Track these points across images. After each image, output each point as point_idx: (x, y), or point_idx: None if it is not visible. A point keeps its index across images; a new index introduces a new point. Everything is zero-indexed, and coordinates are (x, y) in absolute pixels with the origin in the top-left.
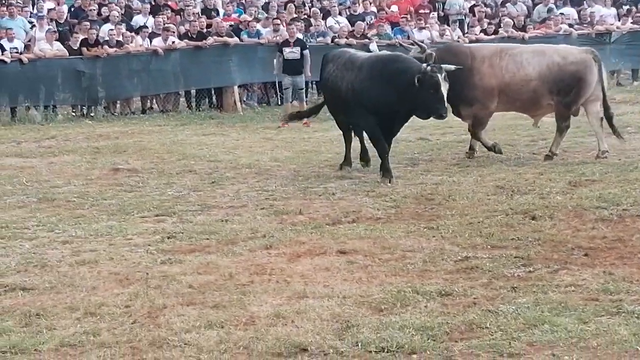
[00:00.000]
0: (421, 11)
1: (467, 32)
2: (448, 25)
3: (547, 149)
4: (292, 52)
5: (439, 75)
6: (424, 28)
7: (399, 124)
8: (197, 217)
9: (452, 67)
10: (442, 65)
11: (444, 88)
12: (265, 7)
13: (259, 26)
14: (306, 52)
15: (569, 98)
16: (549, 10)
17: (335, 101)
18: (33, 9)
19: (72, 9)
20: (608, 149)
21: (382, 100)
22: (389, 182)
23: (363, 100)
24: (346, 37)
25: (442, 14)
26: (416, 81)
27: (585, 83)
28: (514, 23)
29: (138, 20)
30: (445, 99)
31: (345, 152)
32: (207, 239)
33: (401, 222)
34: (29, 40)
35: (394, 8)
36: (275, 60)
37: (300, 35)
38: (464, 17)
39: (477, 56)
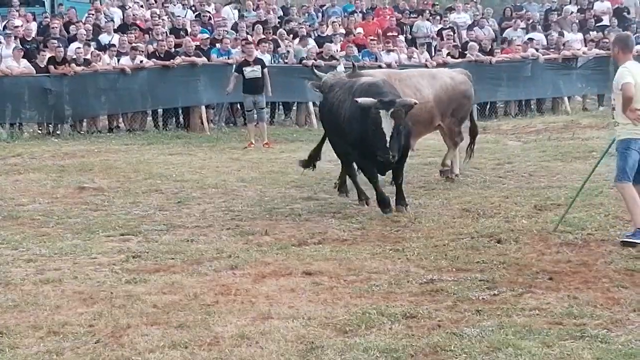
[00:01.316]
0: (389, 34)
1: (434, 56)
2: (416, 48)
3: (460, 171)
4: (253, 71)
5: (382, 111)
6: (392, 50)
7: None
8: (162, 236)
9: (412, 100)
10: (398, 100)
11: (387, 126)
12: (234, 28)
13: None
14: (266, 70)
15: (460, 115)
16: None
17: (337, 130)
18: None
19: (40, 27)
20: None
21: (356, 130)
22: (386, 212)
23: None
24: (314, 59)
25: (409, 37)
26: (360, 114)
27: (471, 100)
28: (480, 47)
29: (106, 38)
30: (388, 137)
31: (355, 187)
32: (173, 258)
33: (367, 243)
34: None
35: (360, 30)
36: (231, 79)
37: (268, 56)
38: (431, 41)
39: None
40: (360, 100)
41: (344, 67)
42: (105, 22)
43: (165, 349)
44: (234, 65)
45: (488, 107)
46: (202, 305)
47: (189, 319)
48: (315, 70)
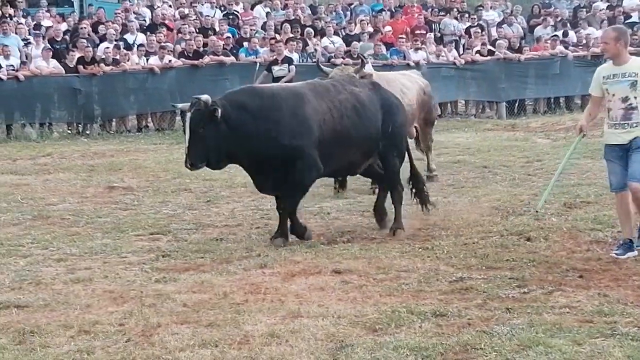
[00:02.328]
0: (417, 32)
1: (462, 53)
2: (444, 46)
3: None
4: (281, 70)
5: (186, 115)
6: (419, 49)
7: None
8: (192, 235)
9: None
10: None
11: (187, 130)
12: (263, 27)
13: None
14: (292, 67)
15: (431, 117)
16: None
17: None
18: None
19: (69, 27)
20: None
21: None
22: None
23: None
24: (342, 57)
25: (438, 34)
26: None
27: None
28: (509, 44)
29: (135, 38)
30: (187, 144)
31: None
32: (202, 257)
33: (396, 242)
34: (26, 58)
35: (388, 28)
36: (258, 76)
37: (295, 55)
38: (458, 39)
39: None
40: (179, 105)
41: (372, 67)
42: (134, 21)
43: (195, 348)
44: (257, 64)
45: (517, 104)
46: (231, 304)
47: (219, 318)
48: (322, 66)
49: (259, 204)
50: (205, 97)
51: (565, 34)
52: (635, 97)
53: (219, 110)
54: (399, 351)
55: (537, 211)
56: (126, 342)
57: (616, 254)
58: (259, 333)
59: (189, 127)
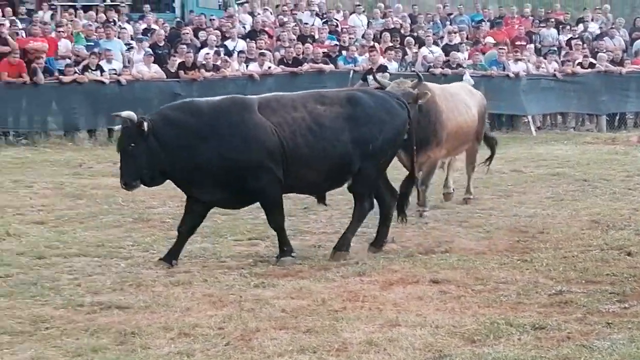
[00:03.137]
0: (517, 43)
1: (563, 65)
2: (544, 57)
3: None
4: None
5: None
6: (520, 60)
7: None
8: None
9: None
10: (120, 114)
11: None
12: (362, 35)
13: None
14: (386, 75)
15: (482, 133)
16: None
17: None
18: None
19: (170, 33)
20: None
21: None
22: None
23: None
24: (441, 67)
25: (538, 46)
26: None
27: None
28: (612, 57)
29: (235, 45)
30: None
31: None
32: (300, 264)
33: (494, 253)
34: (128, 62)
35: (490, 39)
36: (354, 85)
37: (395, 64)
38: (556, 50)
39: (436, 93)
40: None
41: (470, 77)
42: (235, 28)
43: (294, 353)
44: (351, 72)
45: (617, 118)
46: (330, 310)
47: (317, 324)
48: (379, 78)
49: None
50: (126, 113)
51: None
52: None
53: (145, 125)
54: None
55: None
56: (225, 345)
57: None
58: (357, 341)
59: (117, 145)
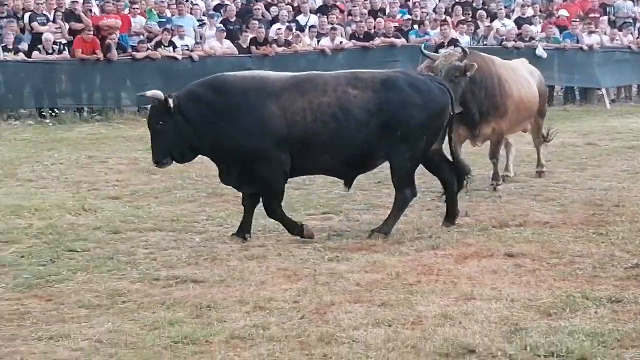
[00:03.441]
0: (591, 15)
1: (639, 37)
2: (618, 30)
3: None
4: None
5: None
6: (594, 32)
7: None
8: (363, 216)
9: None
10: (145, 94)
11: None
12: (434, 9)
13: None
14: (457, 49)
15: (544, 109)
16: None
17: None
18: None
19: (242, 8)
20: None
21: None
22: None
23: None
24: (514, 40)
25: (613, 18)
26: None
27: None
28: None
29: (307, 20)
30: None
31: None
32: (374, 238)
33: (569, 227)
34: (200, 38)
35: (564, 12)
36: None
37: (467, 38)
38: (632, 22)
39: (496, 63)
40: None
41: (543, 50)
42: (306, 3)
43: (369, 327)
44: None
45: None
46: (404, 284)
47: (392, 298)
48: (427, 53)
49: (430, 186)
50: (152, 92)
51: None
52: None
53: (171, 102)
54: (574, 336)
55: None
56: (301, 319)
57: None
58: (432, 314)
59: (148, 125)
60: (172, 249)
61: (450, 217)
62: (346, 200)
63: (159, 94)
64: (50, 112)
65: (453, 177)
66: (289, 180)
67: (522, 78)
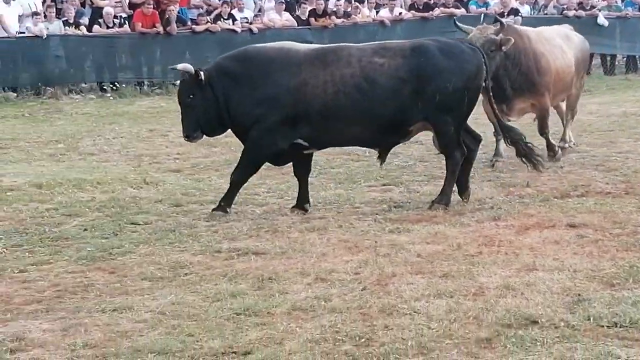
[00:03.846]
0: None
1: None
2: None
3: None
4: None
5: None
6: None
7: None
8: (423, 187)
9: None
10: (176, 67)
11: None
12: None
13: None
14: (518, 19)
15: (583, 79)
16: None
17: None
18: None
19: None
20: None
21: None
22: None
23: None
24: (574, 9)
25: None
26: None
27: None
28: None
29: None
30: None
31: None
32: (435, 209)
33: (632, 197)
34: (259, 11)
35: None
36: None
37: (527, 7)
38: None
39: (531, 37)
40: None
41: (605, 19)
42: None
43: (430, 298)
44: (482, 16)
45: None
46: (465, 255)
47: (453, 269)
48: (460, 25)
49: (489, 156)
50: (182, 65)
51: None
52: None
53: (202, 75)
54: (637, 306)
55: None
56: (362, 290)
57: None
58: (494, 285)
59: (178, 98)
60: (233, 221)
61: (461, 191)
62: (406, 171)
63: (189, 67)
64: (111, 85)
65: (476, 148)
66: (349, 151)
67: (556, 48)
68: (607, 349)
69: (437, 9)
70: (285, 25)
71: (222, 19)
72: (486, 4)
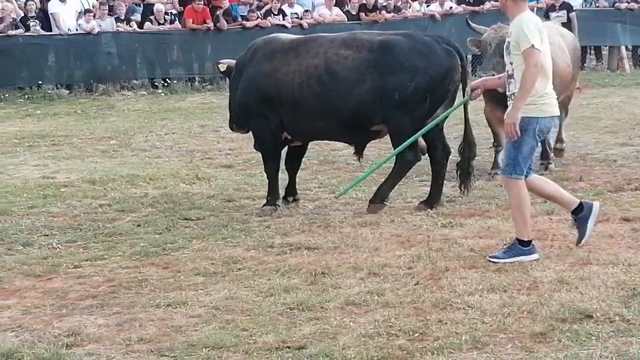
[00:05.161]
0: None
1: None
2: None
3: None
4: (558, 17)
5: None
6: None
7: None
8: (476, 182)
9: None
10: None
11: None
12: None
13: None
14: (572, 14)
15: (576, 76)
16: None
17: None
18: None
19: None
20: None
21: None
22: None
23: None
24: (627, 2)
25: None
26: None
27: None
28: None
29: None
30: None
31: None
32: (487, 203)
33: None
34: (310, 6)
35: None
36: None
37: (578, 0)
38: None
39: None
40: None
41: None
42: None
43: (484, 292)
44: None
45: None
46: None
47: (507, 263)
48: (473, 25)
49: (539, 149)
50: (227, 61)
51: None
52: (512, 63)
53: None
54: None
55: (336, 197)
56: (415, 285)
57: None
58: (548, 279)
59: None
60: (285, 216)
61: (430, 201)
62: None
63: (233, 62)
64: (162, 82)
65: (444, 157)
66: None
67: (556, 47)
68: None
69: (487, 2)
70: (336, 20)
71: (272, 15)
72: None
